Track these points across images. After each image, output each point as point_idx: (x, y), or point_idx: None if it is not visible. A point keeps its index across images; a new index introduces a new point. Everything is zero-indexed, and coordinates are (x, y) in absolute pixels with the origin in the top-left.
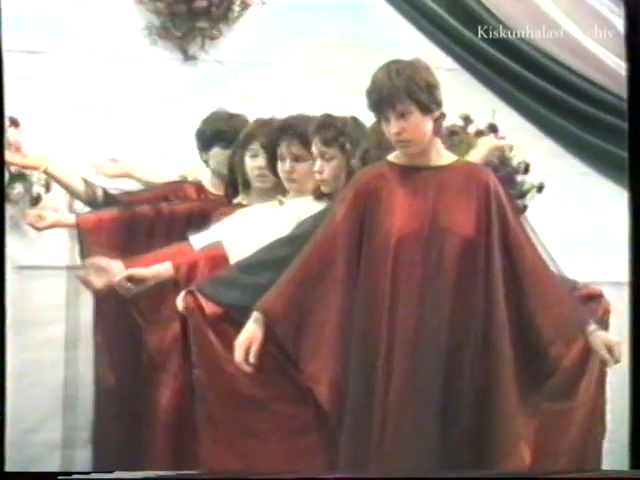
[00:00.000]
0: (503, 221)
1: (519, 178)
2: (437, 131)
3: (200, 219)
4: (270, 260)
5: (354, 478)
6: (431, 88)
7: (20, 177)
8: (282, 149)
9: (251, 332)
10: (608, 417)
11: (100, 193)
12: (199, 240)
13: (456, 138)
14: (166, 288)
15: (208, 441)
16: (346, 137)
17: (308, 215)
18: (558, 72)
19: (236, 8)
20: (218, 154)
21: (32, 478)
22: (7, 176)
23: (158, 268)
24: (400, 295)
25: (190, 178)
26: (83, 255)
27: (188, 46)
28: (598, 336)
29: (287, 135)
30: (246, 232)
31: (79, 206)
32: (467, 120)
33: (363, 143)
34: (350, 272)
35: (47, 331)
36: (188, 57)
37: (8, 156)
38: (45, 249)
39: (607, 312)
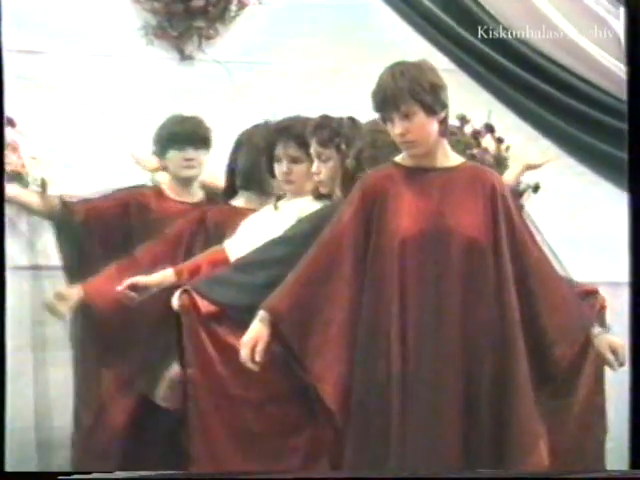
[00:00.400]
0: (509, 222)
1: None
2: (443, 132)
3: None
4: (266, 259)
5: (354, 478)
6: (436, 89)
7: (16, 177)
8: (279, 151)
9: (257, 331)
10: (608, 417)
11: (57, 203)
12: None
13: (453, 138)
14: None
15: (200, 440)
16: (342, 137)
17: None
18: (554, 72)
19: (233, 8)
20: (175, 157)
21: (32, 478)
22: None
23: (160, 275)
24: (407, 295)
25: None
26: None
27: (185, 46)
28: (603, 339)
29: (283, 137)
30: (248, 236)
31: None
32: (463, 120)
33: (358, 143)
34: (356, 272)
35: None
36: (185, 57)
37: None
38: (44, 249)
39: (603, 308)
